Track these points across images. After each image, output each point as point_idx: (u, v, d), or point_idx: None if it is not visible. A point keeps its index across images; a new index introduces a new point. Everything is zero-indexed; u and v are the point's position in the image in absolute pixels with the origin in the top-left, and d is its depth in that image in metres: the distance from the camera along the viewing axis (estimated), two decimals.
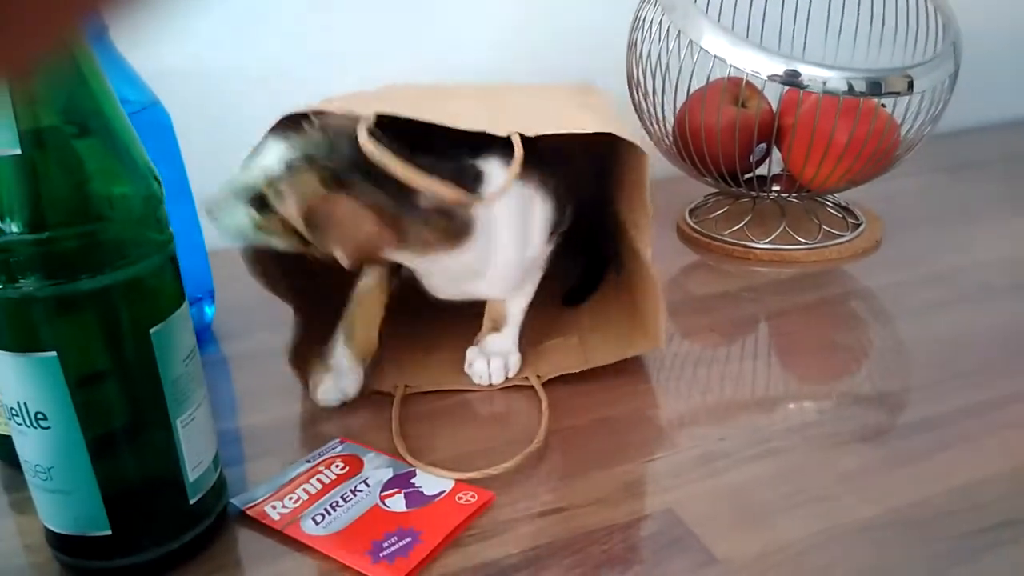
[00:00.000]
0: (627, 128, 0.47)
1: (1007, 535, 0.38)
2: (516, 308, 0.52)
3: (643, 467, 0.44)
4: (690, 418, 0.48)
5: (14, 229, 0.32)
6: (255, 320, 0.62)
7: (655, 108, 0.69)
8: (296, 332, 0.52)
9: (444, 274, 0.48)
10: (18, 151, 0.32)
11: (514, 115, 0.48)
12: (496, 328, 0.52)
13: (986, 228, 0.72)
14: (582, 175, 0.57)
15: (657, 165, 0.74)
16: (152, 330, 0.35)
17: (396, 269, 0.51)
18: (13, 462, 0.44)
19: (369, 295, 0.51)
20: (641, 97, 0.69)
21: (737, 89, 0.68)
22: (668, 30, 0.65)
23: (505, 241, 0.47)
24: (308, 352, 0.51)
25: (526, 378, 0.52)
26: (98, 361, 0.35)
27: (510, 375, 0.52)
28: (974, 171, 0.86)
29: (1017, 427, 0.45)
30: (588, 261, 0.63)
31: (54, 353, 0.34)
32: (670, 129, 0.71)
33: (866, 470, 0.43)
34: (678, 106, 0.69)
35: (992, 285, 0.62)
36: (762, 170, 0.72)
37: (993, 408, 0.47)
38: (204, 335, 0.60)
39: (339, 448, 0.45)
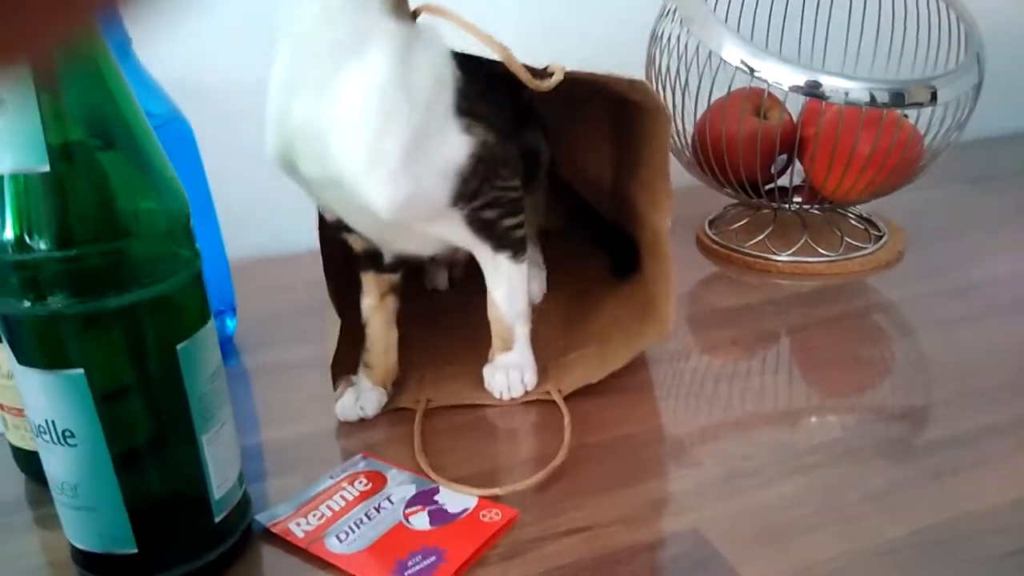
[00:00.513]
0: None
1: None
2: (521, 330, 0.52)
3: (667, 485, 0.44)
4: (713, 434, 0.48)
5: (42, 246, 0.32)
6: (276, 333, 0.62)
7: (675, 120, 0.69)
8: (339, 340, 0.51)
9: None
10: (47, 168, 0.32)
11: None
12: (507, 347, 0.52)
13: (1010, 240, 0.72)
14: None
15: (676, 176, 0.74)
16: (179, 347, 0.35)
17: (394, 288, 0.51)
18: (38, 477, 0.44)
19: (374, 318, 0.51)
20: (665, 94, 0.69)
21: (758, 99, 0.68)
22: (687, 44, 0.64)
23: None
24: (346, 362, 0.51)
25: (547, 392, 0.52)
26: (124, 377, 0.35)
27: (528, 387, 0.52)
28: (998, 181, 0.85)
29: None
30: (615, 244, 0.64)
31: (81, 370, 0.34)
32: (690, 140, 0.70)
33: (891, 488, 0.43)
34: (698, 117, 0.69)
35: (1013, 299, 0.61)
36: (783, 181, 0.71)
37: (1020, 426, 0.46)
38: (226, 348, 0.60)
39: (362, 464, 0.45)
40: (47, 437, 0.35)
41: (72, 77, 0.33)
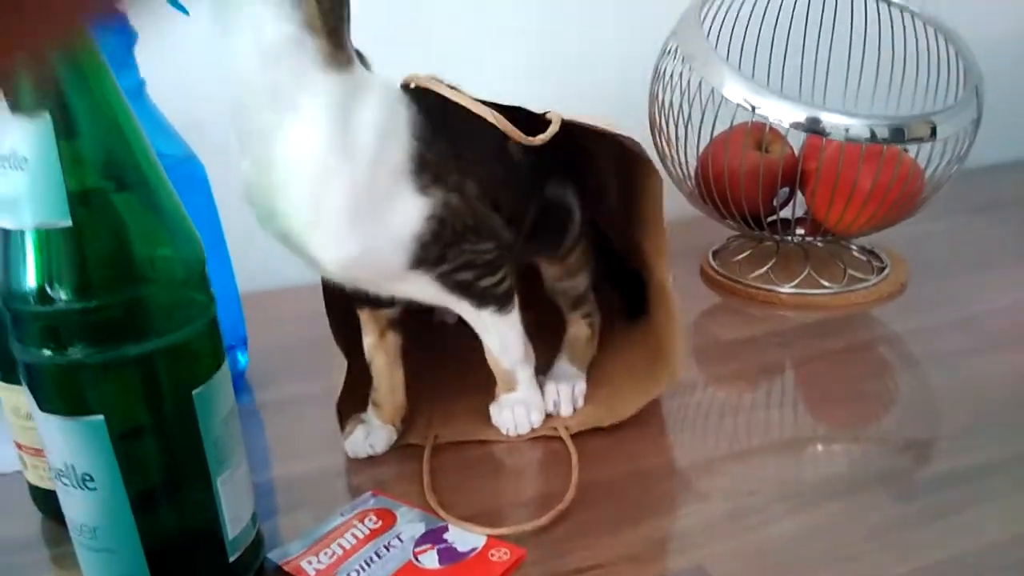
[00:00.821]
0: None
1: None
2: (523, 373, 0.52)
3: (674, 522, 0.45)
4: (719, 470, 0.49)
5: (63, 297, 0.33)
6: (287, 367, 0.63)
7: (677, 153, 0.70)
8: (345, 378, 0.51)
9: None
10: (69, 223, 0.33)
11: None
12: (510, 389, 0.53)
13: (1012, 270, 0.72)
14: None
15: (679, 206, 0.75)
16: (195, 392, 0.36)
17: (392, 324, 0.52)
18: (55, 516, 0.45)
19: (377, 357, 0.51)
20: (664, 142, 0.70)
21: (760, 133, 0.69)
22: (689, 80, 0.66)
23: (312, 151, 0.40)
24: (355, 399, 0.52)
25: (554, 428, 0.52)
26: (142, 422, 0.36)
27: (535, 425, 0.52)
28: (1000, 211, 0.86)
29: None
30: (627, 285, 0.64)
31: (101, 417, 0.35)
32: (693, 172, 0.71)
33: (896, 525, 0.43)
34: (700, 150, 0.70)
35: (1016, 332, 0.62)
36: (786, 213, 0.72)
37: (1019, 463, 0.47)
38: (237, 383, 0.61)
39: (372, 502, 0.46)
40: (67, 481, 0.36)
41: (88, 121, 0.34)
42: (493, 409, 0.53)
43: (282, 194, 0.41)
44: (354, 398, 0.52)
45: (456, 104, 0.45)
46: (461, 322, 0.51)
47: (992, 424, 0.51)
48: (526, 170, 0.50)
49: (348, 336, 0.53)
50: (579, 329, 0.58)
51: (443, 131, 0.44)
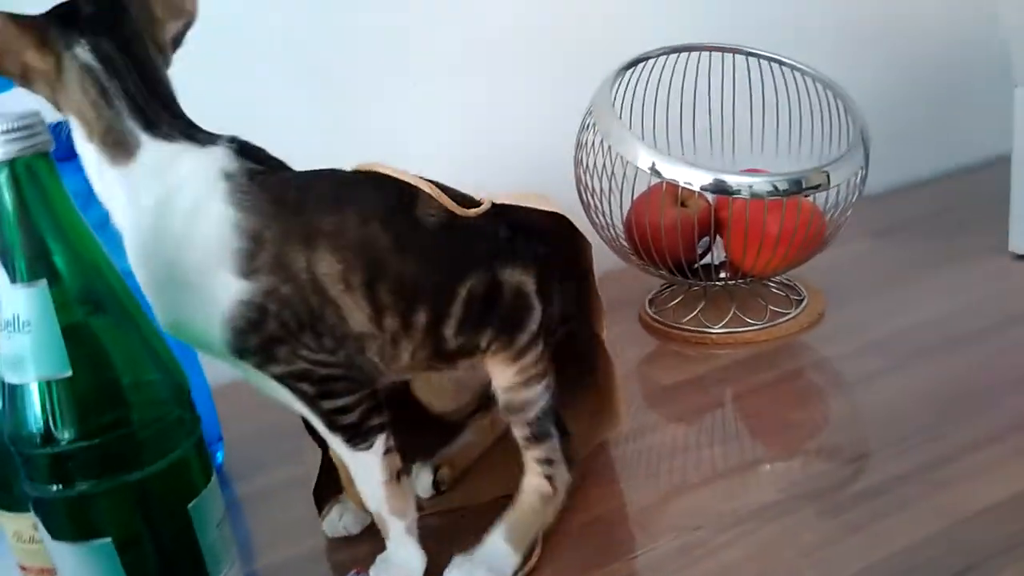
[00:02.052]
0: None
1: None
2: (395, 528, 0.48)
3: (629, 564, 0.50)
4: (667, 510, 0.54)
5: (66, 437, 0.38)
6: (263, 455, 0.66)
7: (604, 214, 0.76)
8: (319, 464, 0.55)
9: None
10: (69, 373, 0.37)
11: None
12: (385, 536, 0.49)
13: (918, 287, 0.80)
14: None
15: (616, 260, 0.81)
16: (190, 506, 0.41)
17: None
18: None
19: (330, 448, 0.50)
20: (591, 199, 0.76)
21: (676, 191, 0.75)
22: (609, 147, 0.72)
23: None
24: (332, 481, 0.55)
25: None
26: (144, 538, 0.40)
27: None
28: (904, 232, 0.94)
29: (947, 487, 0.52)
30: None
31: (109, 538, 0.39)
32: (622, 229, 0.78)
33: (822, 543, 0.49)
34: (625, 208, 0.77)
35: (925, 346, 0.69)
36: (710, 258, 0.79)
37: (925, 471, 0.53)
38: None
39: None
40: None
41: (67, 265, 0.39)
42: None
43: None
44: (330, 480, 0.56)
45: (324, 175, 0.45)
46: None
47: (897, 441, 0.57)
48: (450, 243, 0.46)
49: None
50: (531, 481, 0.51)
51: (292, 206, 0.43)
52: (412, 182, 0.45)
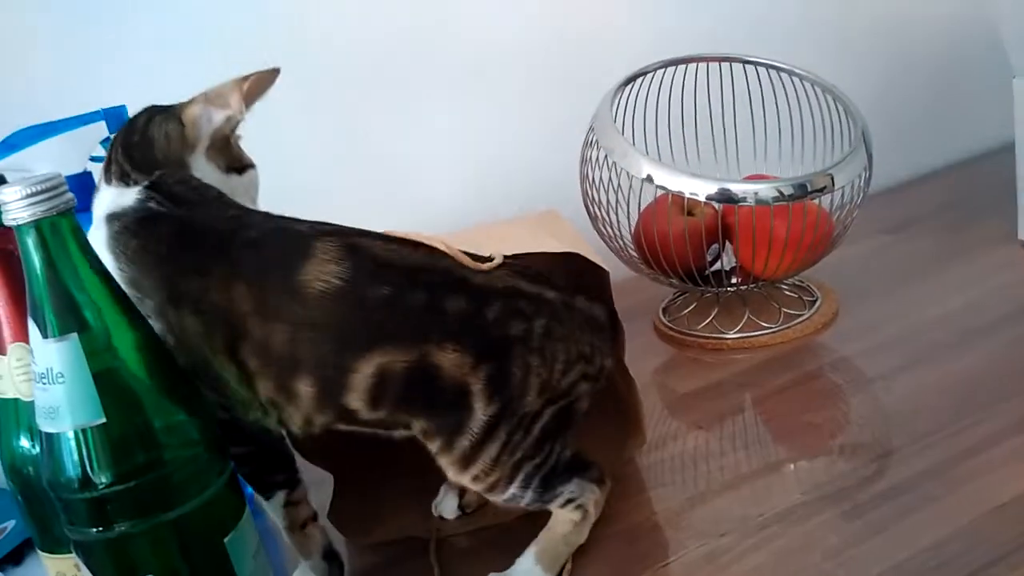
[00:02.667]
0: (590, 248, 0.53)
1: None
2: None
3: (659, 572, 0.51)
4: (693, 518, 0.55)
5: (103, 480, 0.39)
6: None
7: (612, 227, 0.77)
8: (334, 494, 0.57)
9: None
10: (103, 420, 0.39)
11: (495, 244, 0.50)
12: None
13: (929, 281, 0.80)
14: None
15: (627, 271, 0.82)
16: (226, 540, 0.42)
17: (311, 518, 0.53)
18: None
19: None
20: (600, 212, 0.77)
21: (682, 200, 0.76)
22: (613, 163, 0.73)
23: None
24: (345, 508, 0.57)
25: None
26: (182, 574, 0.41)
27: None
28: (912, 227, 0.94)
29: (970, 481, 0.52)
30: None
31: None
32: (629, 241, 0.79)
33: (846, 544, 0.49)
34: (633, 220, 0.78)
35: (940, 340, 0.69)
36: (720, 264, 0.80)
37: (948, 467, 0.54)
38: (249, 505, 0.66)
39: None
40: None
41: (91, 313, 0.40)
42: None
43: None
44: (345, 505, 0.57)
45: (212, 227, 0.45)
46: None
47: (920, 437, 0.58)
48: (344, 313, 0.44)
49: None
50: (560, 514, 0.50)
51: (161, 260, 0.44)
52: (431, 242, 0.45)
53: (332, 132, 0.87)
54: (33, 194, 0.36)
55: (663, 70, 0.79)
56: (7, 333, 0.46)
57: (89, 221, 0.58)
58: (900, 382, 0.65)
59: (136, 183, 0.47)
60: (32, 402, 0.40)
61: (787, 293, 0.80)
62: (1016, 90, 0.78)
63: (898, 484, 0.53)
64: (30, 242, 0.38)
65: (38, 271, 0.38)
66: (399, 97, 0.90)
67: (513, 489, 0.48)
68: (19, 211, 0.37)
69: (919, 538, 0.48)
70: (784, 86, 0.79)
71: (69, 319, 0.39)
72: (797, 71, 0.78)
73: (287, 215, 0.48)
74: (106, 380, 0.40)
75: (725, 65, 0.81)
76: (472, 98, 0.92)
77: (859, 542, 0.49)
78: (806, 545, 0.50)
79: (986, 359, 0.65)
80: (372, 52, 0.88)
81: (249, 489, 0.66)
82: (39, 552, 0.49)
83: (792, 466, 0.58)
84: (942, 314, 0.73)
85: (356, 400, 0.44)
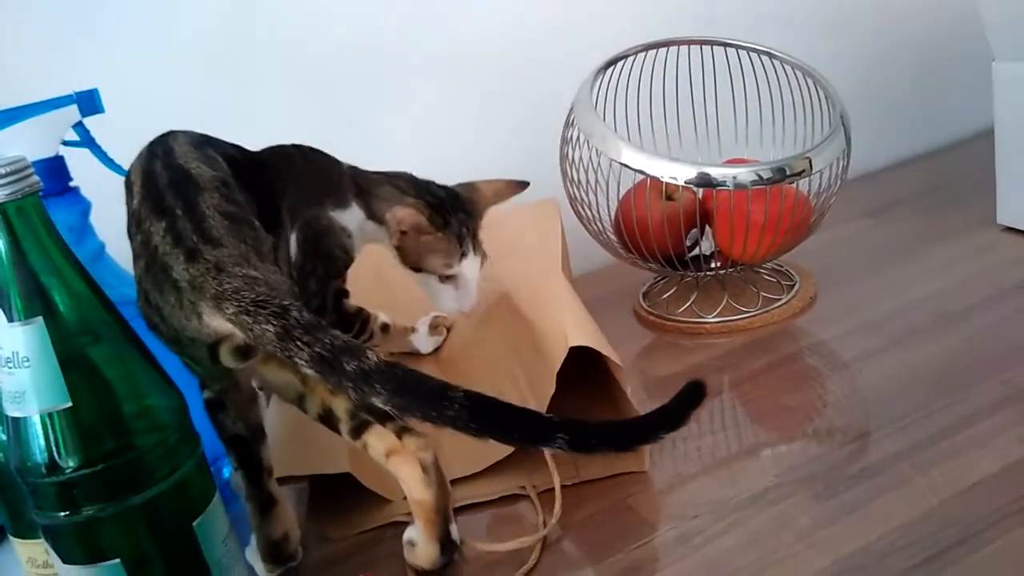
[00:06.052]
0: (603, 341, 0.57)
1: (936, 566, 0.45)
2: None
3: (628, 555, 0.51)
4: (667, 500, 0.55)
5: (70, 464, 0.39)
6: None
7: (592, 209, 0.77)
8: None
9: None
10: (69, 404, 0.39)
11: None
12: None
13: (908, 265, 0.80)
14: None
15: (607, 253, 0.82)
16: (195, 523, 0.42)
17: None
18: None
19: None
20: (580, 194, 0.77)
21: (661, 185, 0.76)
22: (594, 147, 0.73)
23: None
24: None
25: (522, 487, 0.58)
26: (152, 558, 0.41)
27: None
28: (892, 211, 0.94)
29: (941, 463, 0.52)
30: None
31: (117, 560, 0.40)
32: (607, 225, 0.79)
33: (817, 524, 0.50)
34: (612, 203, 0.78)
35: (917, 323, 0.69)
36: (700, 249, 0.80)
37: (920, 449, 0.54)
38: (225, 493, 0.66)
39: None
40: None
41: (62, 298, 0.40)
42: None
43: None
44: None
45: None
46: None
47: (893, 420, 0.58)
48: None
49: None
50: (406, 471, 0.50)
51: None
52: None
53: (319, 119, 0.87)
54: None
55: (643, 53, 0.79)
56: None
57: (61, 205, 0.58)
58: (877, 365, 0.65)
59: None
60: None
61: (766, 277, 0.80)
62: (996, 73, 0.78)
63: (870, 466, 0.54)
64: None
65: (3, 254, 0.38)
66: (383, 84, 0.89)
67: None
68: None
69: (890, 519, 0.49)
70: (765, 69, 0.79)
71: (35, 303, 0.38)
72: (777, 54, 0.78)
73: None
74: (74, 364, 0.39)
75: (706, 48, 0.81)
76: (456, 82, 0.92)
77: (831, 523, 0.50)
78: (778, 527, 0.50)
79: (963, 342, 0.66)
80: (356, 40, 0.87)
81: (225, 473, 0.67)
82: (11, 538, 0.49)
83: (767, 449, 0.58)
84: (920, 297, 0.74)
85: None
